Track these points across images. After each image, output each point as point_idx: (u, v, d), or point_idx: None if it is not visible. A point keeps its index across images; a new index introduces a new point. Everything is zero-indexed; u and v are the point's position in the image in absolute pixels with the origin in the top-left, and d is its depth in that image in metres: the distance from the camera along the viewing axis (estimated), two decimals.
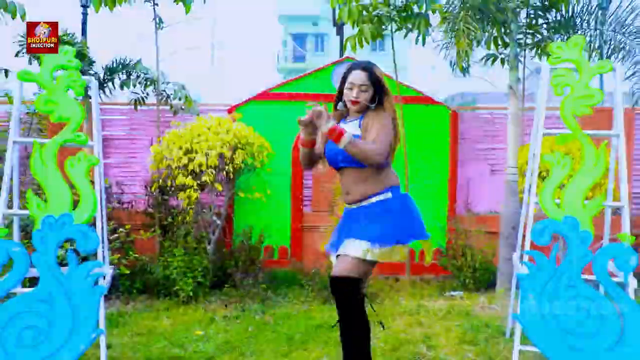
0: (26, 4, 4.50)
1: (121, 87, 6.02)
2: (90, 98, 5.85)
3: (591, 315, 2.95)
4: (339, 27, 7.50)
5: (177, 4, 5.28)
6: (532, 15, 5.65)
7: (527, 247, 3.21)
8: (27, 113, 5.76)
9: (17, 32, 5.25)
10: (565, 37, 5.40)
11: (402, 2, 5.51)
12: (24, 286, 3.42)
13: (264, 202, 5.67)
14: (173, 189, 5.31)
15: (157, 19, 6.09)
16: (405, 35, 5.82)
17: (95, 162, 3.18)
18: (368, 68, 2.80)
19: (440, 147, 6.30)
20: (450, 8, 5.39)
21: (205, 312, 4.71)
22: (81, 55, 5.45)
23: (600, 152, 3.11)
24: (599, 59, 5.54)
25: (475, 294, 5.33)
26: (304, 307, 4.85)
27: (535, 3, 5.56)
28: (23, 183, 4.61)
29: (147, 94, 6.14)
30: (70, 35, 5.54)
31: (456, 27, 4.95)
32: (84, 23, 6.51)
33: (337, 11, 5.57)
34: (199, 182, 5.16)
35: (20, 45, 5.29)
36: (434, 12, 5.41)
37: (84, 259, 3.88)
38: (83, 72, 4.86)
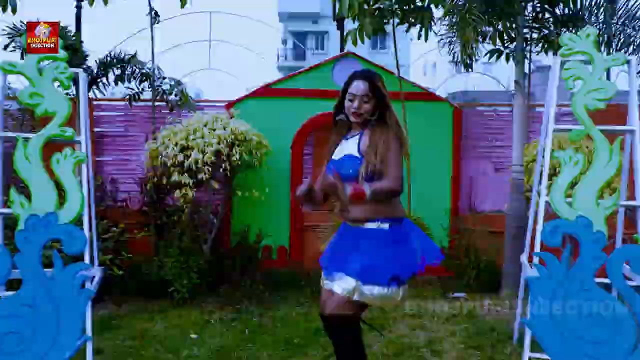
0: None
1: (115, 82, 5.89)
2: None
3: (605, 320, 2.80)
4: (339, 22, 7.33)
5: None
6: (538, 9, 5.48)
7: (536, 247, 3.06)
8: (19, 109, 5.60)
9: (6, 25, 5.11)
10: (573, 32, 5.23)
11: None
12: (7, 289, 3.25)
13: (262, 201, 5.49)
14: (169, 187, 5.15)
15: (153, 13, 5.95)
16: (408, 30, 5.66)
17: (82, 159, 3.02)
18: (369, 78, 2.56)
19: (443, 145, 6.15)
20: (455, 0, 5.22)
21: (201, 314, 4.56)
22: (74, 49, 5.30)
23: (614, 149, 2.96)
24: (607, 54, 5.38)
25: (480, 295, 5.17)
26: (303, 310, 4.68)
27: None
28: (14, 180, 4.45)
29: (143, 90, 6.00)
30: (64, 28, 5.38)
31: (461, 19, 4.77)
32: (78, 17, 6.34)
33: (337, 5, 5.40)
34: (195, 180, 5.00)
35: (9, 38, 5.13)
36: (437, 5, 5.24)
37: (76, 259, 3.73)
38: (76, 66, 4.71)
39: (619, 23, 5.36)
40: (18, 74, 3.01)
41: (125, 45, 8.95)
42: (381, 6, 5.36)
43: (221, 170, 5.08)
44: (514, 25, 5.35)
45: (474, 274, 5.37)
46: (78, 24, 6.27)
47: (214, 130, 5.02)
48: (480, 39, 5.30)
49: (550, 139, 3.26)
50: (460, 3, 5.04)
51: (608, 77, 8.24)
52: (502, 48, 5.75)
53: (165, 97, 5.85)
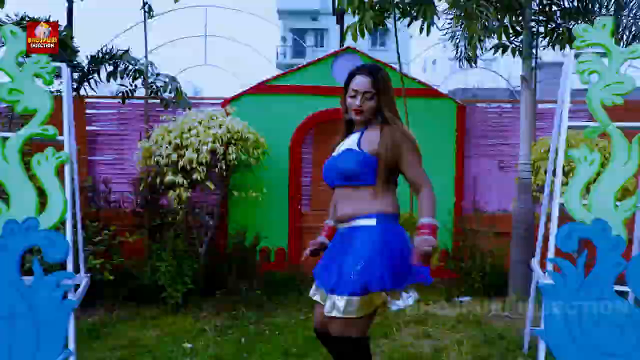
0: None
1: (107, 79, 5.70)
2: (75, 90, 5.58)
3: (625, 331, 2.62)
4: (339, 16, 7.13)
5: None
6: (545, 1, 5.28)
7: (549, 252, 2.86)
8: (7, 106, 5.39)
9: None
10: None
11: None
12: None
13: (259, 202, 5.28)
14: (162, 187, 4.95)
15: (147, 7, 5.77)
16: (410, 24, 5.46)
17: (65, 160, 2.82)
18: (373, 72, 2.33)
19: (446, 142, 5.96)
20: None
21: (195, 321, 4.37)
22: (64, 44, 5.11)
23: (633, 147, 2.76)
24: None
25: (486, 299, 4.97)
26: (302, 317, 4.49)
27: None
28: None
29: (136, 87, 5.82)
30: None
31: (467, 11, 4.56)
32: (70, 11, 6.15)
33: None
34: (189, 180, 4.80)
35: None
36: None
37: (62, 266, 3.54)
38: (66, 63, 4.51)
39: (630, 15, 5.15)
40: None
41: (119, 41, 8.72)
42: None
43: (217, 170, 4.88)
44: (520, 19, 5.15)
45: (480, 277, 5.17)
46: (70, 19, 6.07)
47: (209, 128, 4.81)
48: (486, 33, 5.09)
49: (564, 137, 3.06)
50: None
51: None
52: (507, 43, 5.55)
53: (159, 94, 5.67)
